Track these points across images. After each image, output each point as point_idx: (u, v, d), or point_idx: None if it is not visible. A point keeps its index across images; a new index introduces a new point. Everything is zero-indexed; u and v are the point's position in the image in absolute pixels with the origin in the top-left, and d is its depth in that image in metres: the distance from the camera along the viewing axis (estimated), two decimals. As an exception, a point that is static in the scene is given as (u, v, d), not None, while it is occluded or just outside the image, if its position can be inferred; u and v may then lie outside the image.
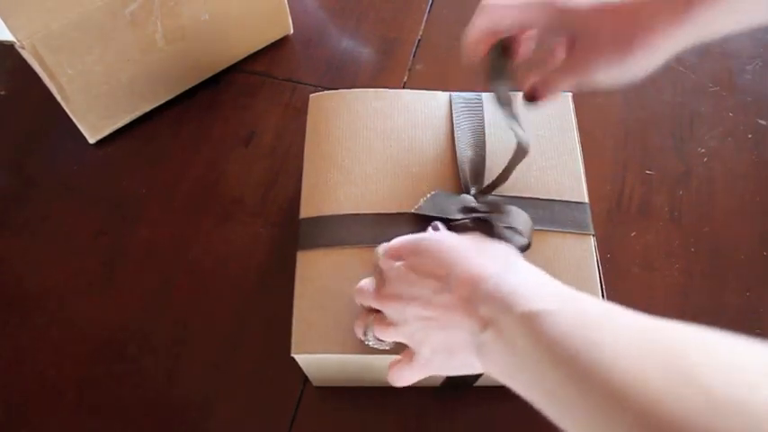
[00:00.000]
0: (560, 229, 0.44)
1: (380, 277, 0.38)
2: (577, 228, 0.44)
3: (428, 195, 0.44)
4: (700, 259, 0.55)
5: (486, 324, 0.32)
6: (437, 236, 0.38)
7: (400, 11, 0.70)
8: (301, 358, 0.42)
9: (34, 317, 0.53)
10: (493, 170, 0.45)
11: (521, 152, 0.42)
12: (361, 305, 0.40)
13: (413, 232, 0.40)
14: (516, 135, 0.42)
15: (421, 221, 0.43)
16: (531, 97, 0.41)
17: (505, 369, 0.32)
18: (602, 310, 0.29)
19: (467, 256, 0.35)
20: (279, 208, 0.58)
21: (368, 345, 0.39)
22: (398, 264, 0.37)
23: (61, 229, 0.57)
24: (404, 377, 0.38)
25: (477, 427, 0.49)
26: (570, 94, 0.50)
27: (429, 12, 0.70)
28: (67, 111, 0.58)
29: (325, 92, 0.51)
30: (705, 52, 0.67)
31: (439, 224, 0.41)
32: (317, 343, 0.41)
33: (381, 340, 0.39)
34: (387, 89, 0.51)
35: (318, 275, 0.43)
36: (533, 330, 0.29)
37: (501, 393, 0.49)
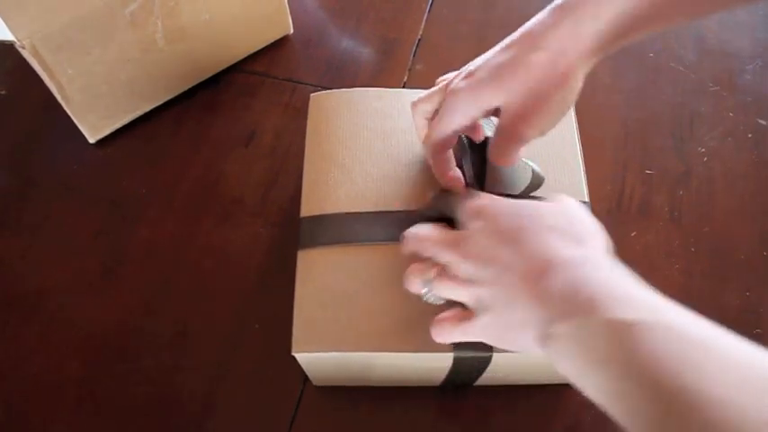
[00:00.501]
0: None
1: (448, 231, 0.37)
2: None
3: (432, 195, 0.44)
4: (700, 259, 0.55)
5: (559, 315, 0.30)
6: (521, 204, 0.36)
7: (400, 11, 0.70)
8: (302, 357, 0.42)
9: (34, 317, 0.53)
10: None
11: (536, 181, 0.43)
12: (409, 253, 0.38)
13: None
14: (532, 167, 0.42)
15: (424, 220, 0.43)
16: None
17: (573, 367, 0.30)
18: (701, 330, 0.27)
19: (554, 233, 0.34)
20: (279, 208, 0.58)
21: (424, 299, 0.38)
22: (481, 224, 0.36)
23: (61, 229, 0.57)
24: (450, 335, 0.37)
25: (477, 427, 0.49)
26: None
27: (429, 12, 0.70)
28: (67, 111, 0.58)
29: (326, 91, 0.51)
30: (705, 52, 0.67)
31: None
32: (318, 342, 0.41)
33: (440, 297, 0.37)
34: (387, 89, 0.51)
35: (319, 274, 0.43)
36: (622, 342, 0.27)
37: (501, 393, 0.49)
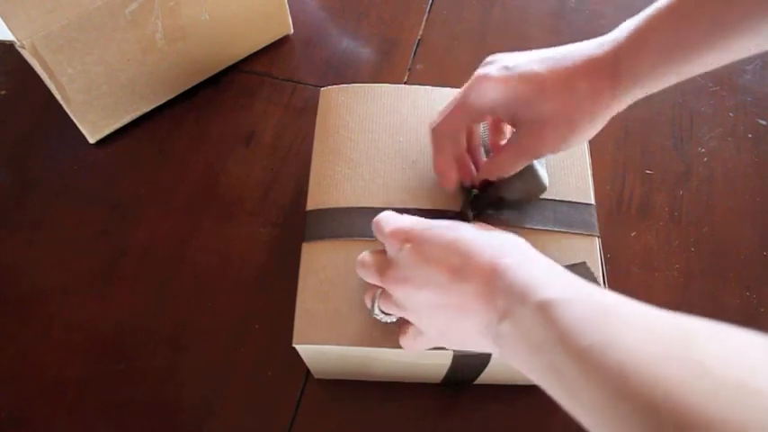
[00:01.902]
0: (566, 230, 0.44)
1: (383, 257, 0.38)
2: (583, 229, 0.44)
3: (467, 196, 0.44)
4: (700, 259, 0.55)
5: (503, 315, 0.32)
6: (448, 224, 0.37)
7: (400, 11, 0.70)
8: (302, 349, 0.42)
9: (34, 317, 0.53)
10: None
11: (537, 190, 0.43)
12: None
13: None
14: (538, 173, 0.42)
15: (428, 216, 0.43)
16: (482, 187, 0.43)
17: (522, 357, 0.32)
18: (614, 300, 0.29)
19: (482, 246, 0.34)
20: (279, 208, 0.58)
21: (375, 317, 0.39)
22: (407, 247, 0.36)
23: (61, 229, 0.57)
24: (412, 347, 0.39)
25: (477, 423, 0.49)
26: None
27: (429, 12, 0.70)
28: (67, 111, 0.58)
29: (336, 86, 0.51)
30: (705, 52, 0.66)
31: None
32: (319, 334, 0.41)
33: (388, 314, 0.39)
34: (397, 84, 0.51)
35: (323, 267, 0.43)
36: (547, 318, 0.29)
37: (501, 391, 0.49)
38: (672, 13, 0.36)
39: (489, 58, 0.41)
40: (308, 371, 0.50)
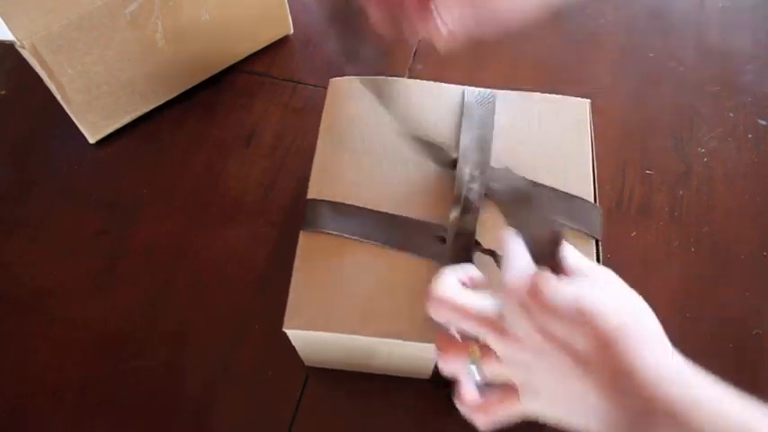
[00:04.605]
0: (568, 225, 0.44)
1: (495, 322, 0.32)
2: (584, 227, 0.44)
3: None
4: (700, 259, 0.55)
5: (634, 425, 0.28)
6: (585, 292, 0.30)
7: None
8: (292, 333, 0.42)
9: (34, 317, 0.53)
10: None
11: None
12: (438, 317, 0.34)
13: (421, 241, 0.41)
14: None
15: (430, 227, 0.43)
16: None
17: None
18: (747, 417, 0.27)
19: (631, 338, 0.29)
20: (279, 208, 0.58)
21: (469, 376, 0.34)
22: (554, 320, 0.30)
23: (61, 229, 0.57)
24: (493, 417, 0.34)
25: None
26: (588, 101, 0.50)
27: (429, 12, 0.70)
28: (67, 111, 0.58)
29: (345, 77, 0.51)
30: (705, 52, 0.67)
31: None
32: (310, 320, 0.41)
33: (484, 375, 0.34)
34: (406, 78, 0.51)
35: (319, 255, 0.43)
36: None
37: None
38: None
39: None
40: (309, 371, 0.51)
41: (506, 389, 0.33)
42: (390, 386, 0.50)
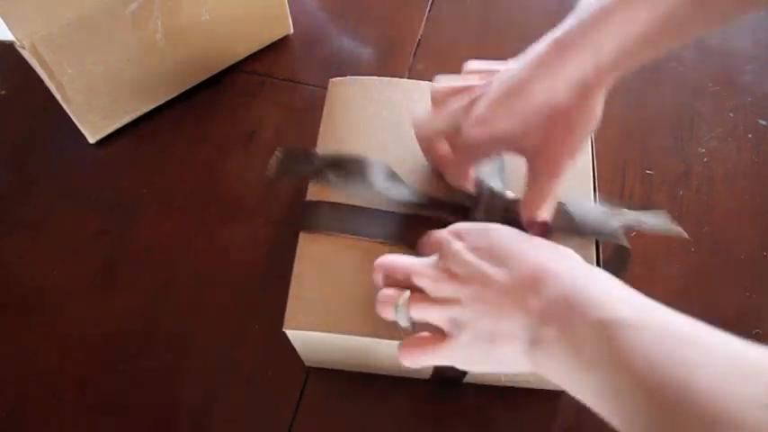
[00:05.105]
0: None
1: (432, 251, 0.37)
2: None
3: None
4: (700, 259, 0.55)
5: (547, 319, 0.31)
6: (507, 228, 0.36)
7: (400, 11, 0.70)
8: (292, 334, 0.42)
9: (34, 317, 0.53)
10: (514, 173, 0.44)
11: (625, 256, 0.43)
12: (381, 281, 0.38)
13: (419, 232, 0.41)
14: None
15: (430, 223, 0.43)
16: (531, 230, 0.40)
17: (562, 370, 0.31)
18: (686, 326, 0.28)
19: (538, 249, 0.34)
20: (279, 207, 0.58)
21: (397, 325, 0.37)
22: (461, 244, 0.35)
23: (61, 229, 0.57)
24: (422, 360, 0.36)
25: (477, 425, 0.49)
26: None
27: (429, 12, 0.70)
28: (67, 111, 0.58)
29: (345, 77, 0.50)
30: (705, 52, 0.67)
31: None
32: (310, 321, 0.41)
33: (412, 321, 0.36)
34: (406, 79, 0.50)
35: (318, 255, 0.43)
36: (610, 340, 0.28)
37: (502, 392, 0.49)
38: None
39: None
40: (309, 371, 0.51)
41: (435, 331, 0.36)
42: (390, 386, 0.50)
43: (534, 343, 0.31)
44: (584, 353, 0.29)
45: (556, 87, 0.36)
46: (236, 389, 0.50)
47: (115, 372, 0.51)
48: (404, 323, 0.37)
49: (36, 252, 0.56)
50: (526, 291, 0.32)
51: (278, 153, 0.45)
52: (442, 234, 0.37)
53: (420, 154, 0.46)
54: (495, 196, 0.43)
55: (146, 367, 0.51)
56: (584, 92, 0.36)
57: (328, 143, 0.47)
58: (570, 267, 0.33)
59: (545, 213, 0.39)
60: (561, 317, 0.30)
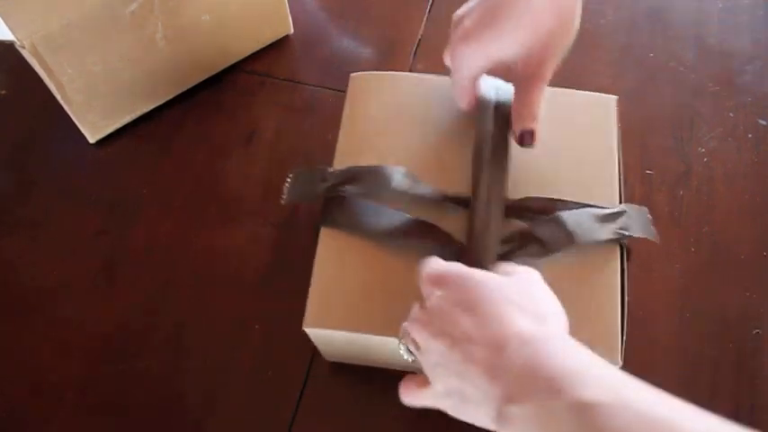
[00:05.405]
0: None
1: (421, 299, 0.36)
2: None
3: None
4: (700, 259, 0.55)
5: (518, 395, 0.29)
6: (489, 277, 0.35)
7: (400, 11, 0.70)
8: (312, 332, 0.42)
9: (34, 317, 0.53)
10: (521, 174, 0.44)
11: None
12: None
13: (437, 245, 0.41)
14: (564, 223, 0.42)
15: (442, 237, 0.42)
16: (521, 141, 0.42)
17: None
18: (661, 408, 0.27)
19: (519, 312, 0.32)
20: (279, 208, 0.58)
21: (400, 352, 0.37)
22: (439, 294, 0.34)
23: (61, 229, 0.57)
24: (412, 398, 0.37)
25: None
26: (615, 97, 0.49)
27: (429, 12, 0.70)
28: (67, 111, 0.58)
29: (367, 72, 0.50)
30: (705, 52, 0.67)
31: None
32: (329, 319, 0.41)
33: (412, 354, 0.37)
34: (428, 75, 0.50)
35: (339, 253, 0.43)
36: (583, 424, 0.27)
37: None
38: None
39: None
40: (309, 371, 0.51)
41: (423, 375, 0.36)
42: (391, 386, 0.49)
43: (501, 417, 0.30)
44: None
45: None
46: (236, 389, 0.50)
47: (115, 372, 0.51)
48: (406, 356, 0.37)
49: (36, 252, 0.56)
50: (495, 354, 0.30)
51: (290, 178, 0.45)
52: (424, 279, 0.36)
53: (440, 159, 0.45)
54: (498, 108, 0.43)
55: (146, 367, 0.51)
56: None
57: (350, 140, 0.47)
58: (542, 334, 0.31)
59: (535, 123, 0.40)
60: (530, 393, 0.29)
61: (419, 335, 0.34)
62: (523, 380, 0.29)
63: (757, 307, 0.53)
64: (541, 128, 0.41)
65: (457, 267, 0.36)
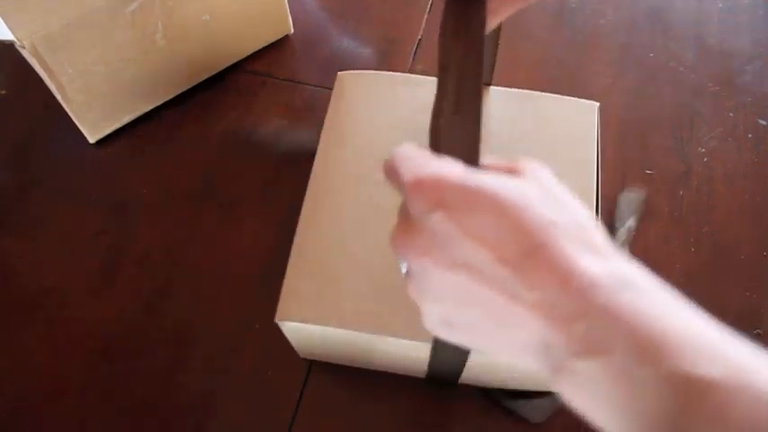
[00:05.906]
0: None
1: (405, 213, 0.25)
2: None
3: None
4: (700, 259, 0.55)
5: (590, 352, 0.22)
6: (499, 184, 0.23)
7: (400, 11, 0.70)
8: (284, 326, 0.42)
9: (34, 317, 0.53)
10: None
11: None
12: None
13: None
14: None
15: None
16: None
17: (602, 411, 0.23)
18: None
19: (550, 229, 0.22)
20: (279, 207, 0.58)
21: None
22: (439, 215, 0.23)
23: (61, 229, 0.57)
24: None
25: (476, 428, 0.49)
26: (597, 104, 0.49)
27: (429, 12, 0.70)
28: (67, 111, 0.58)
29: (354, 71, 0.50)
30: (705, 52, 0.67)
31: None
32: (302, 313, 0.41)
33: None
34: (414, 75, 0.50)
35: (314, 248, 0.43)
36: (690, 405, 0.20)
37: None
38: None
39: None
40: (309, 371, 0.51)
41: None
42: (391, 386, 0.50)
43: (560, 370, 0.23)
44: (647, 407, 0.21)
45: None
46: (236, 389, 0.50)
47: (115, 372, 0.51)
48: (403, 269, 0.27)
49: (36, 252, 0.56)
50: (550, 306, 0.22)
51: None
52: (407, 188, 0.24)
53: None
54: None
55: (146, 367, 0.51)
56: None
57: (332, 136, 0.47)
58: (616, 277, 0.23)
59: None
60: (608, 349, 0.21)
61: (418, 265, 0.25)
62: (597, 333, 0.22)
63: (757, 307, 0.53)
64: (521, 135, 0.39)
65: (455, 173, 0.24)
